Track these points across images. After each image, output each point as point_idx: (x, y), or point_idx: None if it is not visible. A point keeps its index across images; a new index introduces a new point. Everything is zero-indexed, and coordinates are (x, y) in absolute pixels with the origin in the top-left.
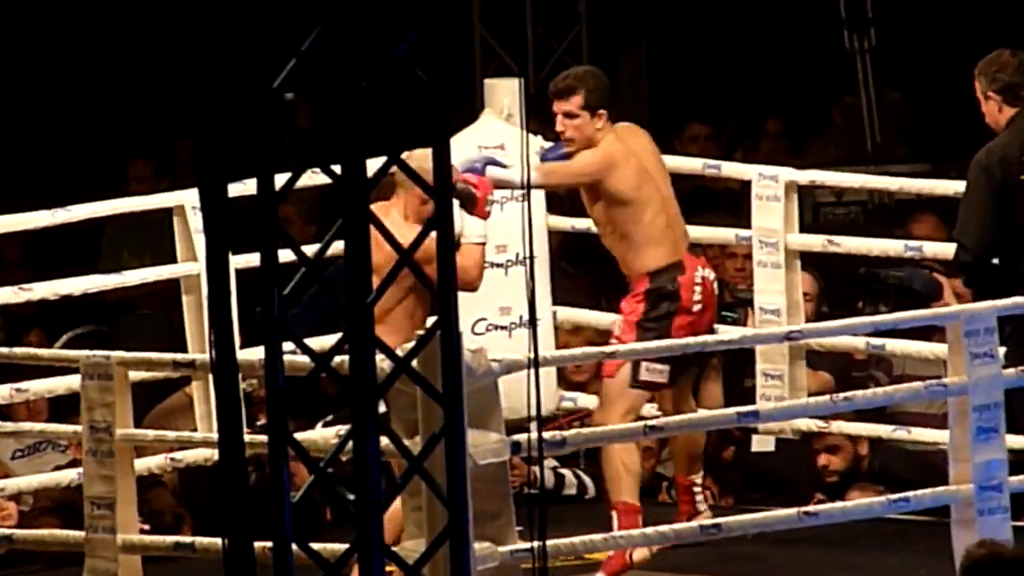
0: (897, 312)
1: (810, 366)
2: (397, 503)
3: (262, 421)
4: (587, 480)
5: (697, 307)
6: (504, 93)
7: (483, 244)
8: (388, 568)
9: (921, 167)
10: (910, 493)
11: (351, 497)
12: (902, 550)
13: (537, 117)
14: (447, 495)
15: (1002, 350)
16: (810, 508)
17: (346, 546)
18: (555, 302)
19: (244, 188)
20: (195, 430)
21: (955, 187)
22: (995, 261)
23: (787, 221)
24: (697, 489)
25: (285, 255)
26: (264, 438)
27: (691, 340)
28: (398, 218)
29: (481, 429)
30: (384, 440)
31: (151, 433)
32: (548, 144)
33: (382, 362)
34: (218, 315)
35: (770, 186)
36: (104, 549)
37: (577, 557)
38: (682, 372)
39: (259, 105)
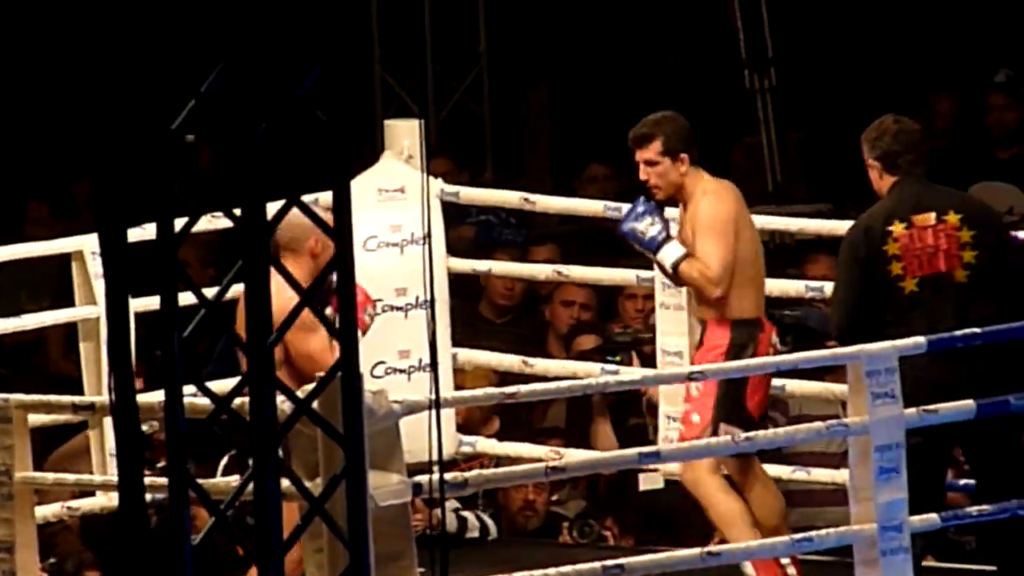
0: (796, 352)
1: None
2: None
3: (162, 463)
4: (489, 522)
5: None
6: (404, 134)
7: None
8: None
9: (822, 207)
10: (812, 532)
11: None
12: None
13: (437, 158)
14: (348, 537)
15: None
16: (713, 548)
17: None
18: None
19: (143, 232)
20: (93, 473)
21: None
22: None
23: None
24: (785, 561)
25: (185, 298)
26: (164, 481)
27: (590, 381)
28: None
29: (382, 470)
30: (285, 482)
31: (51, 476)
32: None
33: (283, 404)
34: (118, 358)
35: (672, 227)
36: None
37: None
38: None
39: (158, 147)
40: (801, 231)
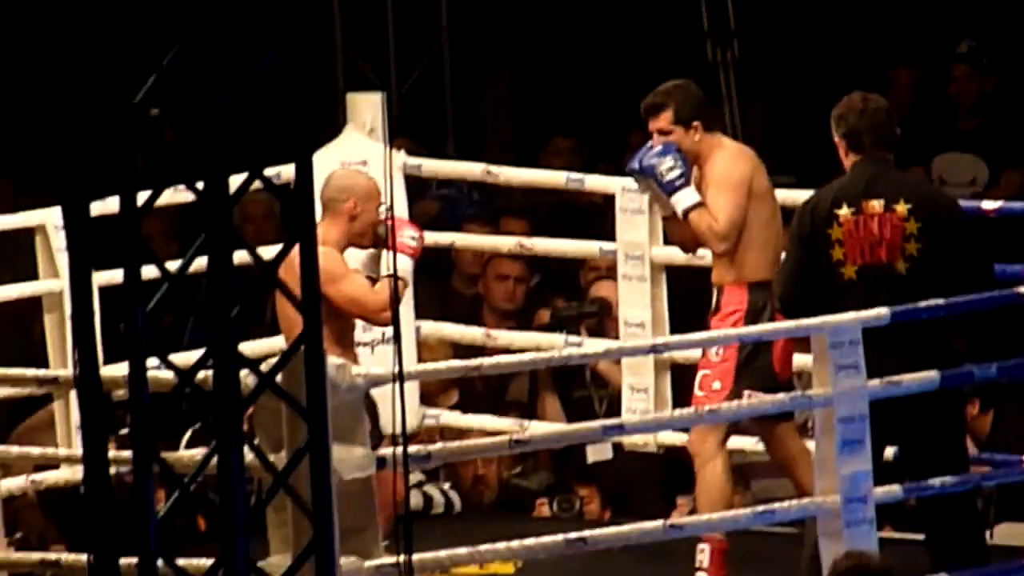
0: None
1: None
2: None
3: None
4: (454, 496)
5: None
6: (367, 108)
7: (402, 281)
8: None
9: (785, 179)
10: (775, 505)
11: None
12: (769, 562)
13: (400, 132)
14: (313, 510)
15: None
16: (676, 520)
17: (211, 561)
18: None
19: (106, 206)
20: (58, 447)
21: None
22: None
23: (652, 234)
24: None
25: (148, 271)
26: (128, 454)
27: (554, 354)
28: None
29: (346, 444)
30: (249, 455)
31: (15, 449)
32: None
33: (246, 377)
34: (82, 332)
35: (634, 199)
36: None
37: (443, 571)
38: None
39: (121, 121)
40: None
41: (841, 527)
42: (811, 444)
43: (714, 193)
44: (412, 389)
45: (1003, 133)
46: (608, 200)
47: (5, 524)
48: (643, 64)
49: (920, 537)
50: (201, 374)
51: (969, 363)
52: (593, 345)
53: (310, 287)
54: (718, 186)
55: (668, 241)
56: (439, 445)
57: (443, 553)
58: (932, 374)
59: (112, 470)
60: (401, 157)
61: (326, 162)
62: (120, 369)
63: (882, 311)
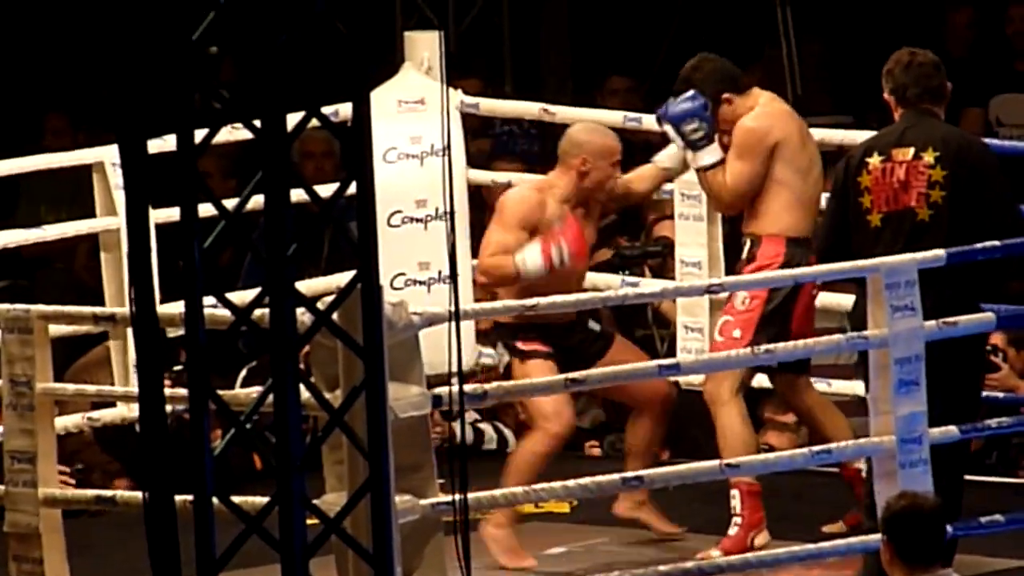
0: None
1: None
2: None
3: (179, 367)
4: (507, 433)
5: (816, 291)
6: (424, 46)
7: (522, 275)
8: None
9: (843, 119)
10: (831, 445)
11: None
12: (824, 502)
13: (458, 70)
14: (368, 448)
15: None
16: (731, 460)
17: (267, 499)
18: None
19: (164, 144)
20: (113, 384)
21: None
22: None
23: None
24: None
25: (205, 209)
26: (184, 392)
27: (610, 293)
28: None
29: (402, 382)
30: (305, 393)
31: (71, 387)
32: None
33: (303, 315)
34: (138, 270)
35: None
36: (25, 503)
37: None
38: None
39: (178, 59)
40: (823, 142)
41: (896, 468)
42: (859, 385)
43: (731, 157)
44: (468, 328)
45: None
46: (665, 139)
47: (64, 461)
48: (701, 3)
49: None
50: (257, 312)
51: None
52: (649, 285)
53: (366, 226)
54: (735, 150)
55: None
56: (495, 384)
57: (498, 492)
58: (989, 315)
59: (168, 408)
60: (458, 96)
61: (383, 100)
62: (177, 307)
63: (939, 252)
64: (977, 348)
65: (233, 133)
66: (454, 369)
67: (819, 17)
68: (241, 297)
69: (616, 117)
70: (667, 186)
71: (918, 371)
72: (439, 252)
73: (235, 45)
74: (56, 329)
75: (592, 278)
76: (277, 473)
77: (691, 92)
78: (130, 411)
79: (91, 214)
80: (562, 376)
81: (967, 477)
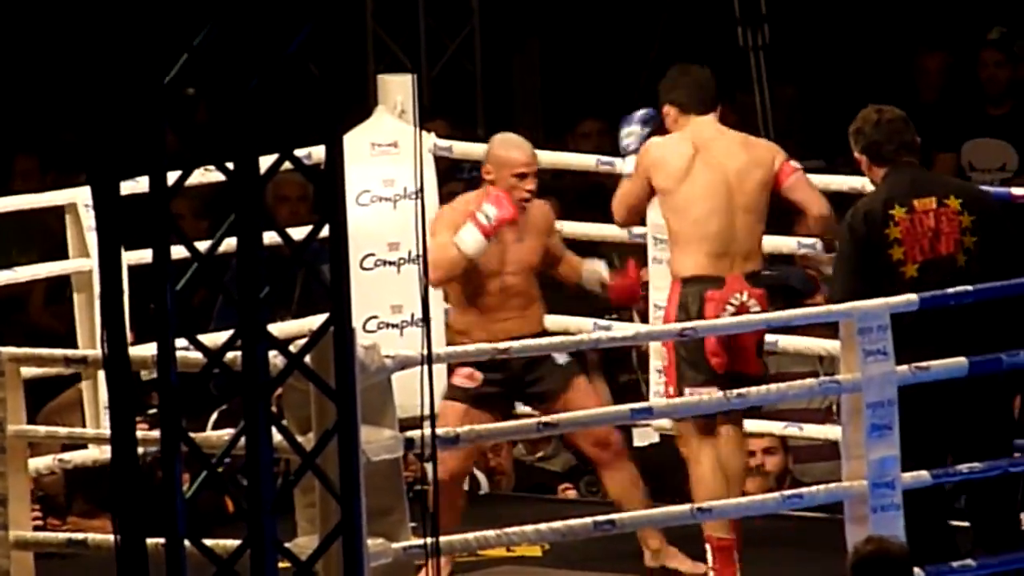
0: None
1: None
2: None
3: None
4: (480, 477)
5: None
6: (397, 89)
7: (464, 254)
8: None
9: (814, 163)
10: (804, 490)
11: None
12: (797, 546)
13: (431, 114)
14: (340, 491)
15: None
16: (703, 504)
17: (239, 542)
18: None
19: (136, 185)
20: (86, 427)
21: (848, 183)
22: None
23: None
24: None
25: (178, 251)
26: (156, 434)
27: (584, 337)
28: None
29: (374, 425)
30: (277, 436)
31: (43, 429)
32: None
33: (275, 358)
34: (111, 311)
35: None
36: None
37: (470, 554)
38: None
39: (151, 100)
40: None
41: (867, 512)
42: (837, 429)
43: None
44: (440, 371)
45: None
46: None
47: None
48: (673, 47)
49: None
50: (230, 355)
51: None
52: (622, 329)
53: (338, 268)
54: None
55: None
56: (467, 428)
57: (471, 536)
58: (961, 360)
59: (140, 450)
60: (431, 139)
61: (356, 143)
62: (149, 349)
63: (911, 297)
64: (1009, 388)
65: (206, 175)
66: (427, 412)
67: (791, 62)
68: (213, 339)
69: (588, 161)
70: (639, 229)
71: (891, 415)
72: (412, 295)
73: (208, 86)
74: (27, 371)
75: (564, 321)
76: (248, 516)
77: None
78: (102, 453)
79: (60, 256)
80: (533, 420)
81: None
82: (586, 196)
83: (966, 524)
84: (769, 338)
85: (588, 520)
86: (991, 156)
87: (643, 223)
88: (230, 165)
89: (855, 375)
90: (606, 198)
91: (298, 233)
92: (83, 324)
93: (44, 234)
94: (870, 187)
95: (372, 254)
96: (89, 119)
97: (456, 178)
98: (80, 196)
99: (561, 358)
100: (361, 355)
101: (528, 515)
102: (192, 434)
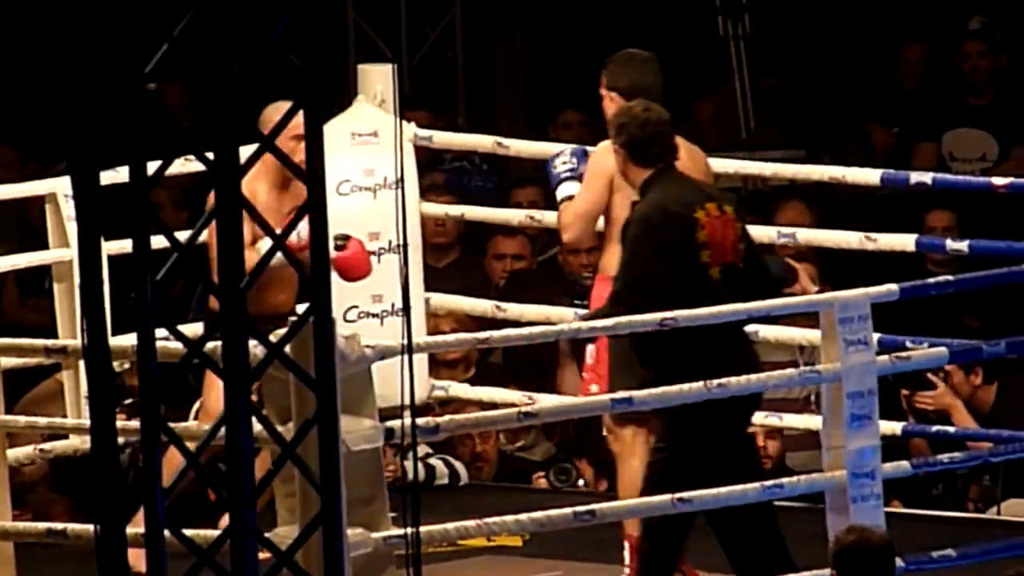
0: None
1: None
2: None
3: (130, 401)
4: (459, 467)
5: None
6: (378, 79)
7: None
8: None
9: (795, 153)
10: (784, 480)
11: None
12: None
13: (411, 104)
14: (320, 481)
15: None
16: (684, 495)
17: (219, 532)
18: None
19: (116, 175)
20: (66, 417)
21: (829, 172)
22: None
23: None
24: None
25: (158, 241)
26: (136, 424)
27: (563, 327)
28: (263, 190)
29: (354, 415)
30: (257, 426)
31: (22, 419)
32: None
33: (255, 348)
34: (90, 301)
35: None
36: None
37: (450, 543)
38: None
39: (131, 90)
40: (775, 176)
41: (847, 502)
42: (817, 419)
43: (581, 185)
44: (421, 361)
45: (1013, 110)
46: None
47: (13, 496)
48: (655, 38)
49: (929, 513)
50: (210, 344)
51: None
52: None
53: (320, 257)
54: (585, 176)
55: None
56: (447, 417)
57: (451, 526)
58: (942, 350)
59: (120, 440)
60: (412, 129)
61: (337, 133)
62: (129, 339)
63: (892, 287)
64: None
65: (186, 165)
66: (407, 402)
67: (772, 52)
68: (193, 329)
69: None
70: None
71: (871, 405)
72: (392, 285)
73: (189, 76)
74: (6, 362)
75: (544, 310)
76: (229, 506)
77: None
78: (82, 443)
79: (39, 246)
80: (514, 409)
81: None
82: None
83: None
84: (749, 328)
85: (568, 511)
86: (972, 146)
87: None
88: (210, 155)
89: (835, 365)
90: None
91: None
92: (63, 314)
93: (23, 225)
94: (853, 177)
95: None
96: (68, 109)
97: (437, 168)
98: (60, 186)
99: None
100: (341, 345)
101: (508, 505)
102: (172, 424)
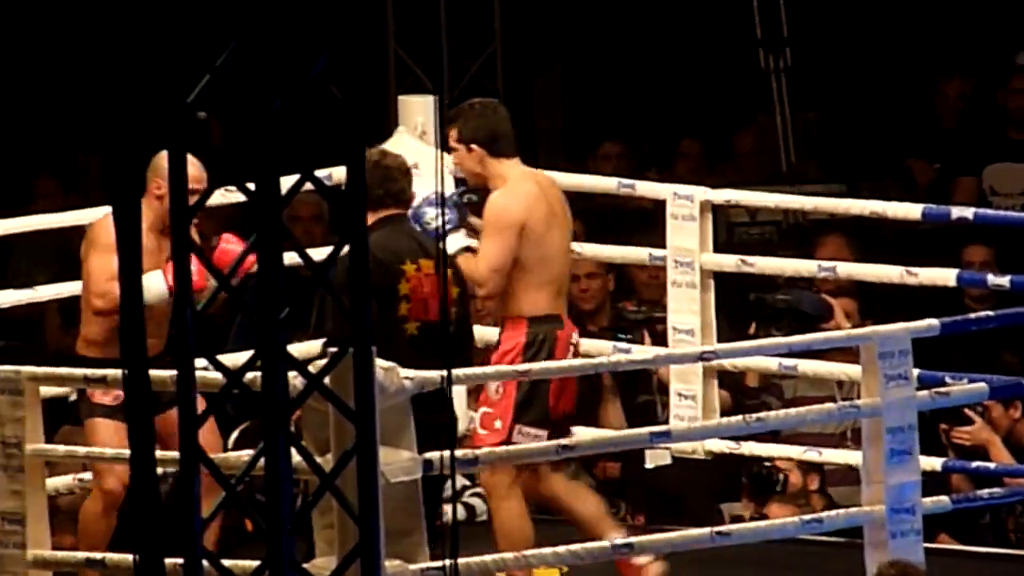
0: (792, 336)
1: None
2: None
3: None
4: (477, 504)
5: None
6: (418, 110)
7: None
8: None
9: (835, 187)
10: (823, 514)
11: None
12: (815, 571)
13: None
14: (359, 513)
15: None
16: (723, 528)
17: (257, 563)
18: None
19: None
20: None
21: (871, 207)
22: None
23: (702, 241)
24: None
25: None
26: (176, 454)
27: (602, 360)
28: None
29: (393, 447)
30: (296, 457)
31: (61, 448)
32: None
33: (295, 379)
34: (130, 331)
35: (685, 205)
36: (14, 564)
37: None
38: None
39: (172, 122)
40: (815, 210)
41: (887, 537)
42: (856, 454)
43: (483, 236)
44: (460, 393)
45: None
46: (658, 206)
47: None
48: (696, 70)
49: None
50: (249, 375)
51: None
52: (641, 352)
53: (359, 289)
54: (487, 229)
55: None
56: (486, 450)
57: (488, 558)
58: (982, 385)
59: (159, 470)
60: (451, 160)
61: None
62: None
63: (933, 322)
64: None
65: (226, 196)
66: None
67: (813, 85)
68: (232, 359)
69: (610, 183)
70: (659, 252)
71: (911, 441)
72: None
73: (229, 108)
74: (47, 390)
75: (584, 344)
76: (267, 536)
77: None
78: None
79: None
80: (553, 443)
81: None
82: (607, 218)
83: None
84: (787, 362)
85: (606, 543)
86: (1013, 180)
87: (664, 246)
88: (251, 186)
89: (876, 400)
90: (627, 220)
91: (316, 254)
92: None
93: (65, 255)
94: (894, 212)
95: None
96: (110, 140)
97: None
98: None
99: None
100: (380, 376)
101: (546, 537)
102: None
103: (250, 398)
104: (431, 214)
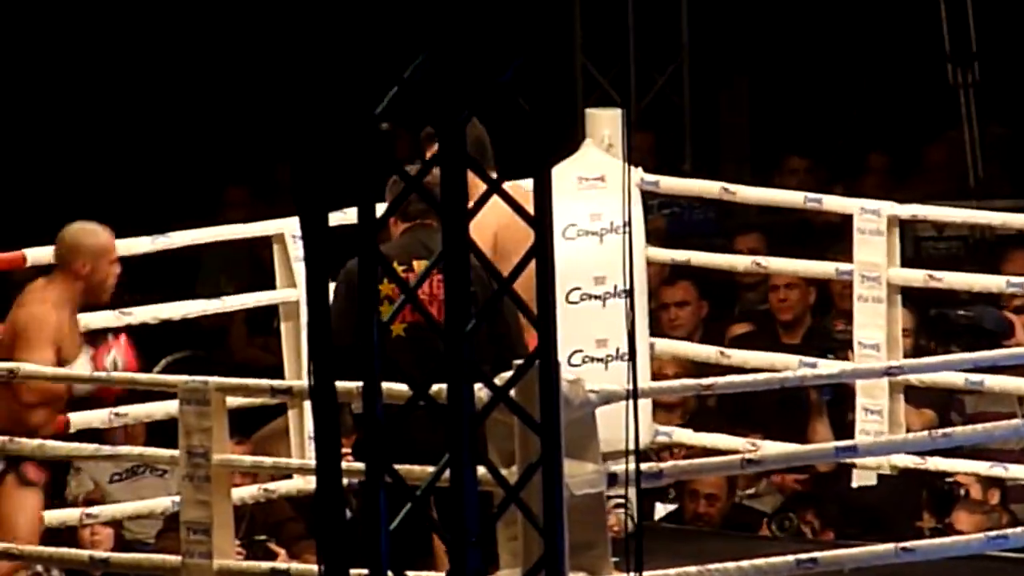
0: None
1: (910, 402)
2: None
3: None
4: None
5: None
6: (605, 123)
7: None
8: None
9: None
10: (1008, 531)
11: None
12: None
13: (639, 148)
14: (543, 525)
15: None
16: (908, 544)
17: (442, 575)
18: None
19: (344, 217)
20: (291, 457)
21: None
22: None
23: (889, 255)
24: None
25: None
26: (361, 466)
27: (788, 375)
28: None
29: (578, 459)
30: (481, 469)
31: (248, 459)
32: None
33: (480, 391)
34: (318, 342)
35: (872, 220)
36: (200, 574)
37: None
38: None
39: (361, 132)
40: (1003, 225)
41: None
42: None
43: None
44: (645, 406)
45: None
46: (844, 220)
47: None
48: (884, 85)
49: None
50: (435, 387)
51: None
52: (827, 367)
53: (545, 302)
54: None
55: None
56: (671, 463)
57: (672, 572)
58: None
59: (344, 481)
60: (639, 174)
61: (564, 177)
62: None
63: None
64: None
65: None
66: (631, 447)
67: (1002, 100)
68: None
69: (796, 198)
70: (845, 267)
71: None
72: (617, 329)
73: (414, 119)
74: (234, 400)
75: (769, 358)
76: (451, 549)
77: None
78: (306, 483)
79: (269, 286)
80: (738, 456)
81: None
82: (793, 233)
83: None
84: (974, 378)
85: (791, 558)
86: None
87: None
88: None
89: None
90: (814, 234)
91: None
92: (289, 354)
93: (255, 263)
94: None
95: (578, 288)
96: (299, 150)
97: (653, 213)
98: (288, 227)
99: None
100: (566, 389)
101: (729, 551)
102: (396, 466)
103: (436, 411)
104: None
